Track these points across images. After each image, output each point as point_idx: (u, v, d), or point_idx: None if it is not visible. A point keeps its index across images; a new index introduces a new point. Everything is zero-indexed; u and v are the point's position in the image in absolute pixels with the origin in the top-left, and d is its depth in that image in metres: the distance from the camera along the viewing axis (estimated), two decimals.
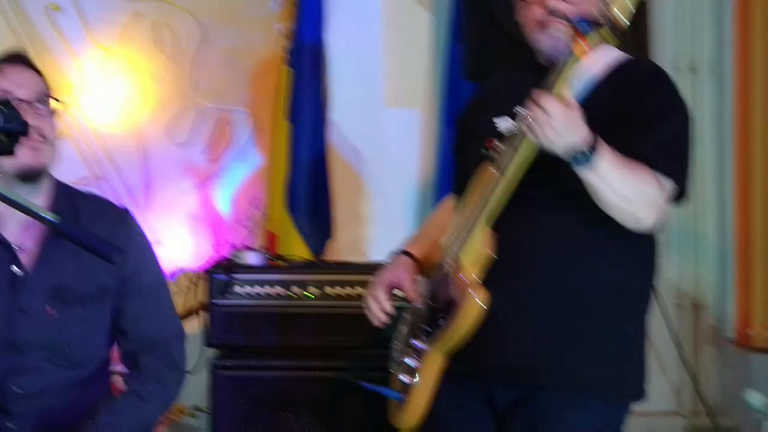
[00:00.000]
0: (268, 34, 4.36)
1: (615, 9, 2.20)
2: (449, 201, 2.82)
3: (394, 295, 2.67)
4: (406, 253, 2.72)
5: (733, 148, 4.23)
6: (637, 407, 2.54)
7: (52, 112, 2.56)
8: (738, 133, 4.20)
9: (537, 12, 2.54)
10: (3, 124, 2.08)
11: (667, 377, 4.34)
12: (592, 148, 2.29)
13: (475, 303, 2.41)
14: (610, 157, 2.31)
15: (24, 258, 2.51)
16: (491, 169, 2.45)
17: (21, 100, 2.47)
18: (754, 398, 3.79)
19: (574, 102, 2.31)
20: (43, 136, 2.50)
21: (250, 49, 4.38)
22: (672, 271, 4.35)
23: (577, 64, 2.29)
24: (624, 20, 2.23)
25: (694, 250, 4.40)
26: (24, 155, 2.43)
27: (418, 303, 2.62)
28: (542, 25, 2.54)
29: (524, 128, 2.31)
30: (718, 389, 4.33)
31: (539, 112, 2.28)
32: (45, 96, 2.55)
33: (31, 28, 4.28)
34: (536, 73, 2.56)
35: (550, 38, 2.53)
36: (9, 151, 2.11)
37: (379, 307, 2.64)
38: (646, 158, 2.37)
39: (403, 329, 2.67)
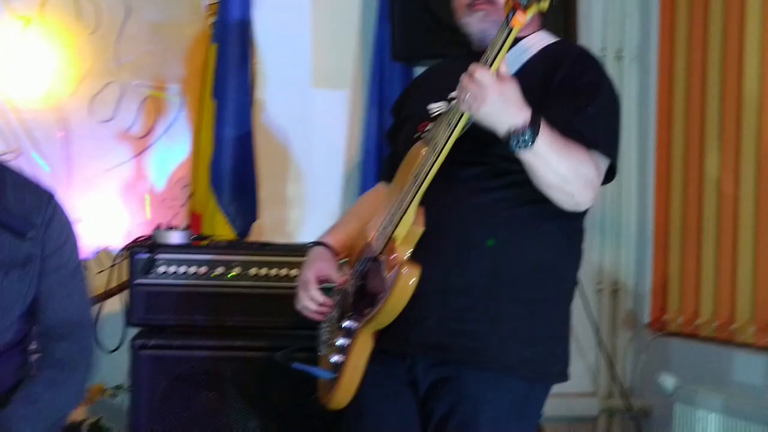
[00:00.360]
0: (195, 9, 4.30)
1: None
2: (378, 188, 2.84)
3: (324, 288, 2.68)
4: (320, 243, 2.73)
5: (655, 136, 4.29)
6: (555, 388, 2.58)
7: None
8: (660, 121, 4.26)
9: None
10: None
11: (585, 359, 4.42)
12: (533, 129, 2.27)
13: (407, 280, 2.43)
14: (549, 137, 2.30)
15: None
16: (423, 149, 2.46)
17: None
18: (667, 381, 3.88)
19: (511, 77, 2.29)
20: None
21: (177, 24, 4.31)
22: (594, 256, 4.42)
23: (513, 37, 2.27)
24: None
25: (616, 236, 4.47)
26: None
27: (348, 286, 2.64)
28: (471, 6, 2.57)
29: (461, 103, 2.29)
30: (633, 372, 4.41)
31: (476, 85, 2.26)
32: None
33: None
34: (471, 58, 2.59)
35: (478, 21, 2.56)
36: None
37: (316, 305, 2.65)
38: (580, 134, 2.39)
39: (333, 312, 2.69)
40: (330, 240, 2.73)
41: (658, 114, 4.26)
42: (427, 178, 2.41)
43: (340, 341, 2.60)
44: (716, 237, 3.89)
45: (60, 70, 4.24)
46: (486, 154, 2.39)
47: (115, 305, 3.77)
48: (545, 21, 2.66)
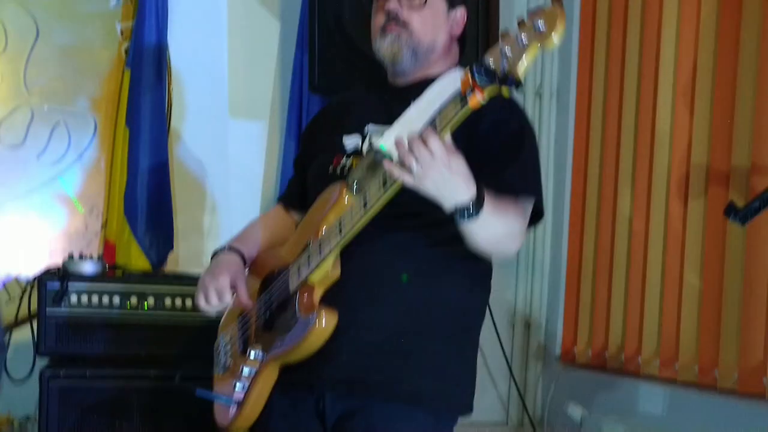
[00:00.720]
0: (108, 32, 4.25)
1: (520, 70, 2.11)
2: (279, 211, 2.84)
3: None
4: (236, 251, 2.70)
5: (571, 173, 4.37)
6: (467, 418, 2.62)
7: None
8: (576, 157, 4.34)
9: (381, 18, 2.59)
10: None
11: (497, 390, 4.48)
12: (479, 204, 2.27)
13: (324, 327, 2.44)
14: (490, 205, 2.30)
15: None
16: (345, 193, 2.45)
17: None
18: (575, 411, 3.95)
19: (457, 150, 2.25)
20: None
21: (90, 48, 4.25)
22: (508, 290, 4.48)
23: (467, 115, 2.21)
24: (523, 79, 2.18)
25: (530, 271, 4.53)
26: None
27: (254, 311, 2.63)
28: (383, 30, 2.58)
29: (401, 169, 2.23)
30: (543, 403, 4.48)
31: (424, 155, 2.20)
32: None
33: None
34: (387, 91, 2.63)
35: (390, 44, 2.57)
36: None
37: (219, 301, 2.61)
38: (511, 186, 2.42)
39: (234, 334, 2.68)
40: (243, 250, 2.70)
41: (575, 151, 4.35)
42: (352, 231, 2.40)
43: (246, 370, 2.59)
44: (626, 273, 3.99)
45: None
46: (401, 195, 2.36)
47: (25, 334, 3.70)
48: (460, 56, 2.68)
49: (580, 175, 4.30)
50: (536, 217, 2.53)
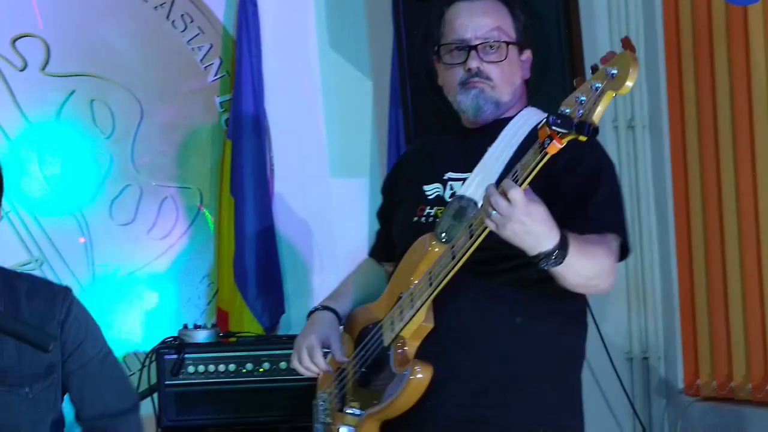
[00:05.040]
0: (208, 106, 4.38)
1: (596, 116, 2.16)
2: (369, 262, 2.90)
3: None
4: (329, 309, 2.75)
5: (672, 202, 4.33)
6: None
7: None
8: (676, 186, 4.30)
9: (459, 73, 2.61)
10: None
11: (622, 430, 4.38)
12: (563, 251, 2.31)
13: (420, 381, 2.48)
14: (575, 248, 2.34)
15: None
16: (434, 244, 2.50)
17: None
18: None
19: (538, 199, 2.30)
20: None
21: (191, 123, 4.38)
22: (622, 326, 4.41)
23: (545, 162, 2.26)
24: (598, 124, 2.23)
25: (642, 305, 4.47)
26: None
27: (350, 367, 2.67)
28: (464, 84, 2.61)
29: (487, 220, 2.29)
30: None
31: (505, 205, 2.26)
32: None
33: None
34: (462, 135, 2.68)
35: (473, 98, 2.60)
36: None
37: (311, 360, 2.64)
38: (594, 223, 2.45)
39: (332, 392, 2.72)
40: (337, 308, 2.75)
41: (674, 180, 4.31)
42: (443, 282, 2.45)
43: (344, 429, 2.63)
44: (742, 298, 3.93)
45: (78, 176, 4.30)
46: (489, 240, 2.40)
47: (146, 408, 3.76)
48: (530, 95, 2.73)
49: (682, 202, 4.25)
50: (625, 249, 2.54)
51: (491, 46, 2.59)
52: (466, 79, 2.60)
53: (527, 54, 2.68)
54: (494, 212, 2.26)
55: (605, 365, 4.04)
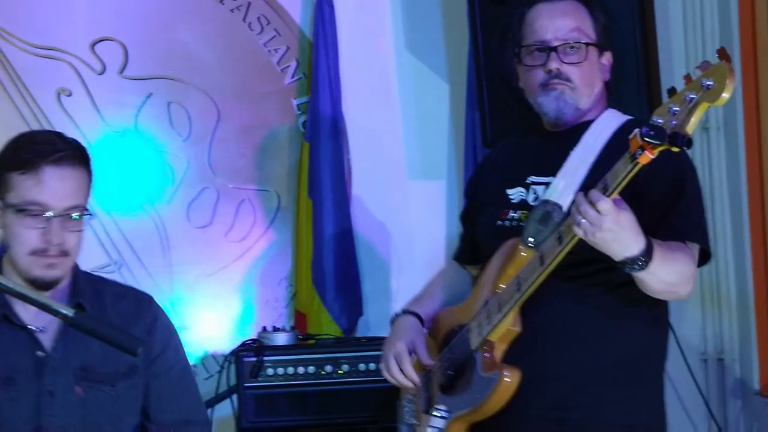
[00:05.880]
0: (285, 109, 4.39)
1: (689, 128, 2.17)
2: (453, 267, 2.91)
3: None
4: (413, 313, 2.78)
5: (747, 204, 4.29)
6: None
7: (82, 226, 2.46)
8: (751, 188, 4.26)
9: (539, 75, 2.61)
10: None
11: (696, 430, 4.32)
12: (648, 257, 2.36)
13: (508, 385, 2.49)
14: (659, 256, 2.38)
15: (45, 339, 2.48)
16: (521, 249, 2.51)
17: (51, 217, 2.37)
18: None
19: (627, 207, 2.34)
20: (64, 252, 2.43)
21: (268, 125, 4.39)
22: (697, 328, 4.36)
23: (636, 172, 2.29)
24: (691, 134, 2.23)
25: (717, 306, 4.42)
26: (39, 270, 2.41)
27: (436, 370, 2.68)
28: (545, 86, 2.61)
29: (576, 227, 2.33)
30: None
31: (595, 214, 2.29)
32: (80, 208, 2.44)
33: (41, 114, 4.27)
34: (544, 138, 2.69)
35: (554, 100, 2.60)
36: None
37: (400, 370, 2.67)
38: (677, 230, 2.48)
39: (417, 393, 2.73)
40: (421, 312, 2.79)
41: (749, 181, 4.28)
42: (532, 287, 2.47)
43: (430, 431, 2.63)
44: None
45: (157, 179, 4.33)
46: (575, 245, 2.41)
47: (225, 410, 3.77)
48: (611, 97, 2.72)
49: (757, 204, 4.21)
50: (704, 256, 2.57)
51: (571, 47, 2.59)
52: (546, 80, 2.61)
53: (607, 56, 2.68)
54: (583, 220, 2.29)
55: (680, 366, 4.00)
